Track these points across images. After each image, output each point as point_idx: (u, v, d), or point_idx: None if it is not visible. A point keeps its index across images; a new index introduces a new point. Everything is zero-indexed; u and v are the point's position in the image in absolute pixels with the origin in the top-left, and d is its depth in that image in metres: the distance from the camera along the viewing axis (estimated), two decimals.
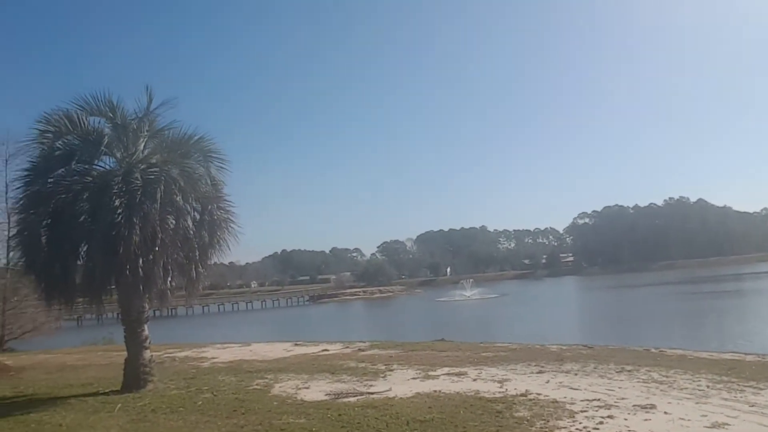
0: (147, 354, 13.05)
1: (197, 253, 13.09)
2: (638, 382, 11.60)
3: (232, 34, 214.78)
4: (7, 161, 27.04)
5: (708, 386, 10.95)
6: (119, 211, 11.62)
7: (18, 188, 13.12)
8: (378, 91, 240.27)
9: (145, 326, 13.11)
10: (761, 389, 10.57)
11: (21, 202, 12.80)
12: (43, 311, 26.83)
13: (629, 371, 12.81)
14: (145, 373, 12.82)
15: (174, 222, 12.61)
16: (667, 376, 12.02)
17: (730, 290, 69.13)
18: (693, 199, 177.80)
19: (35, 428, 9.71)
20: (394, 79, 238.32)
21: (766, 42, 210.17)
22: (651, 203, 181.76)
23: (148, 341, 13.15)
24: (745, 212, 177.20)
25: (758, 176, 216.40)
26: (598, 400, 9.95)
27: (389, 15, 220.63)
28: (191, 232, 12.97)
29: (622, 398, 10.05)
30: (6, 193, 25.95)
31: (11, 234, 18.24)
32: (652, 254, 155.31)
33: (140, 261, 11.86)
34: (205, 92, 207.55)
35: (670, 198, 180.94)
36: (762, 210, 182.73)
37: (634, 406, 9.47)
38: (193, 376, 14.65)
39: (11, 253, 22.22)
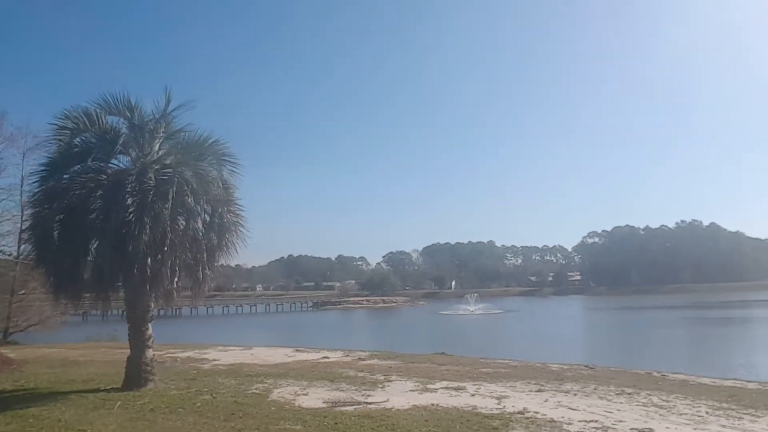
0: (149, 353, 13.17)
1: (205, 255, 13.22)
2: (638, 405, 11.55)
3: (247, 45, 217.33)
4: (24, 154, 27.45)
5: (707, 412, 10.90)
6: (131, 209, 11.79)
7: (34, 182, 13.38)
8: (385, 101, 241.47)
9: (150, 325, 13.25)
10: (759, 417, 10.52)
11: (36, 197, 13.02)
12: (49, 305, 27.09)
13: (629, 394, 12.75)
14: (147, 372, 12.94)
15: (184, 223, 12.78)
16: (667, 401, 11.97)
17: (738, 317, 68.62)
18: (705, 223, 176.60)
19: (33, 423, 9.77)
20: (401, 89, 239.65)
21: None
22: (662, 225, 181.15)
23: (151, 340, 13.28)
24: (757, 238, 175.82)
25: None
26: (596, 421, 9.93)
27: (396, 20, 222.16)
28: (200, 234, 13.12)
29: (620, 421, 10.02)
30: (21, 186, 26.39)
31: (24, 227, 18.56)
32: (661, 277, 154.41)
33: (149, 260, 12.02)
34: (221, 99, 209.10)
35: (681, 221, 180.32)
36: None
37: (631, 429, 9.44)
38: (193, 377, 14.74)
39: (22, 246, 22.63)
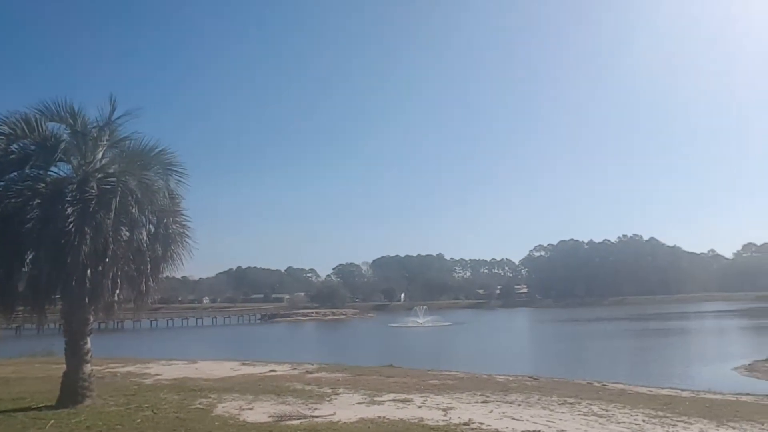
0: (87, 368, 12.68)
1: (149, 267, 12.87)
2: (579, 414, 11.88)
3: (202, 56, 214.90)
4: None
5: (644, 420, 11.33)
6: (71, 219, 11.39)
7: None
8: (341, 116, 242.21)
9: (88, 339, 12.76)
10: (691, 424, 11.03)
11: None
12: None
13: (571, 404, 13.11)
14: (84, 387, 12.43)
15: (128, 234, 12.42)
16: (606, 410, 12.37)
17: (675, 329, 71.32)
18: (646, 238, 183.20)
19: None
20: (355, 106, 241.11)
21: (711, 94, 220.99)
22: (605, 239, 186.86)
23: (89, 355, 12.79)
24: (693, 253, 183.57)
25: (706, 219, 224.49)
26: (538, 431, 10.17)
27: (353, 40, 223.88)
28: (145, 245, 12.77)
29: (562, 430, 10.29)
30: None
31: None
32: (604, 289, 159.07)
33: (88, 272, 11.61)
34: (173, 108, 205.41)
35: (623, 235, 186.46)
36: (709, 251, 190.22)
37: None
38: (134, 392, 14.28)
39: None
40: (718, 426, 11.00)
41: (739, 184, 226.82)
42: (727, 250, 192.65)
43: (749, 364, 34.80)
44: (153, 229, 13.02)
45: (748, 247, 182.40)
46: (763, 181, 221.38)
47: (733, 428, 10.88)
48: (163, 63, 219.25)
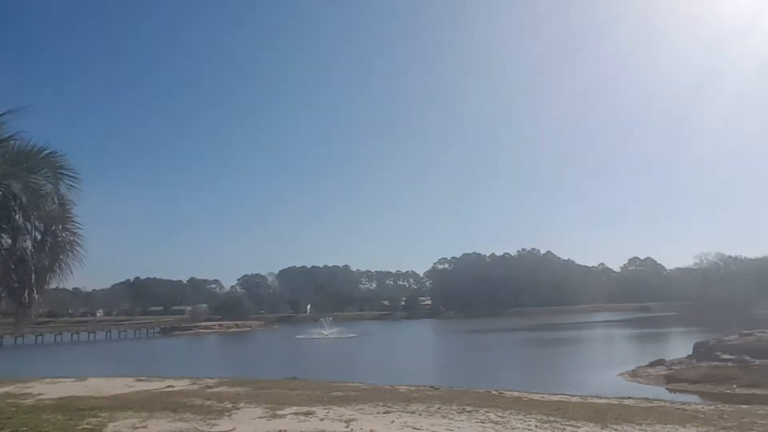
0: None
1: (33, 277, 12.04)
2: (476, 422, 12.25)
3: (96, 60, 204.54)
4: None
5: (536, 425, 11.86)
6: None
7: None
8: (242, 124, 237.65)
9: None
10: (579, 427, 11.70)
11: None
12: None
13: (469, 412, 13.48)
14: None
15: (10, 241, 11.58)
16: (502, 417, 12.83)
17: (567, 338, 75.35)
18: (543, 252, 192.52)
19: None
20: (258, 107, 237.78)
21: (598, 113, 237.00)
22: (506, 253, 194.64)
23: None
24: (584, 266, 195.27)
25: (597, 235, 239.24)
26: None
27: (246, 46, 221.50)
28: (29, 254, 11.96)
29: None
30: None
31: None
32: (504, 300, 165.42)
33: None
34: (65, 107, 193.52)
35: (522, 249, 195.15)
36: (599, 265, 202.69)
37: None
38: (10, 415, 13.13)
39: None
40: (603, 428, 11.72)
41: (627, 203, 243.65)
42: (615, 263, 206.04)
43: (632, 370, 37.42)
44: (39, 237, 12.22)
45: (633, 261, 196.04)
46: (646, 201, 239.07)
47: (616, 430, 11.64)
48: (58, 61, 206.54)
